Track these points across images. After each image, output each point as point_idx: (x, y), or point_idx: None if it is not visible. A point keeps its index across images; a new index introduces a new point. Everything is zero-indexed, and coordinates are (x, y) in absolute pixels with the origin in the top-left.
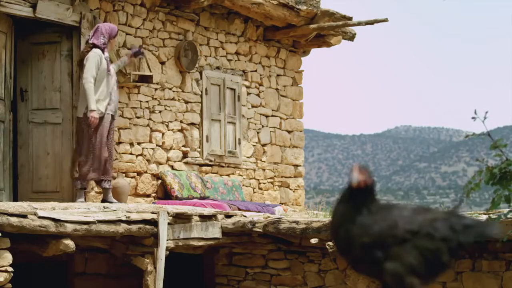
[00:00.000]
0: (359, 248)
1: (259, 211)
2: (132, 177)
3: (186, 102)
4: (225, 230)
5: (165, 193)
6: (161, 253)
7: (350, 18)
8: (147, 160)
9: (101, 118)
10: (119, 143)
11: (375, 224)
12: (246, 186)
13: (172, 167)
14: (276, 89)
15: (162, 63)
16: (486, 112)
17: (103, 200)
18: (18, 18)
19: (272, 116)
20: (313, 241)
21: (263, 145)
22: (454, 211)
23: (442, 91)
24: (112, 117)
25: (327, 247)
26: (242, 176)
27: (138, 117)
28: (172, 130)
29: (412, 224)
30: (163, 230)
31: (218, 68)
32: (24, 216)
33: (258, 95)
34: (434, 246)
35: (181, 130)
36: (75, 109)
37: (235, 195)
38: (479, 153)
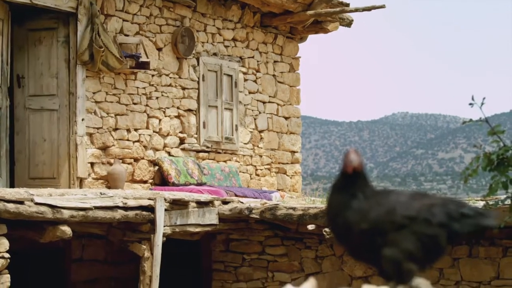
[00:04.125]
0: (357, 234)
1: (256, 197)
2: (129, 163)
3: (183, 89)
4: (222, 216)
5: (162, 179)
6: (158, 239)
7: (347, 5)
8: (144, 146)
9: None
10: (116, 129)
11: (373, 210)
12: (243, 172)
13: (169, 153)
14: (273, 75)
15: (159, 49)
16: (484, 98)
17: None
18: (14, 5)
19: (269, 102)
20: (310, 227)
21: (260, 132)
22: (452, 198)
23: (439, 77)
24: None
25: (324, 233)
26: (239, 162)
27: (135, 103)
28: (169, 116)
29: (409, 209)
30: (160, 216)
31: (215, 54)
32: (21, 202)
33: (255, 81)
34: (431, 231)
35: (178, 117)
36: (72, 96)
37: (232, 181)
38: (476, 139)
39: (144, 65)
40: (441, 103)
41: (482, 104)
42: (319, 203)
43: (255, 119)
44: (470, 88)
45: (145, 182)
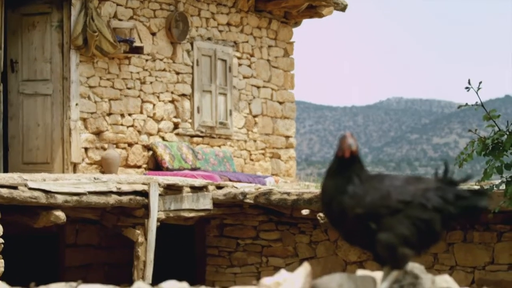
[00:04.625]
0: (352, 219)
1: (250, 182)
2: (123, 148)
3: (177, 73)
4: (216, 201)
5: (156, 164)
6: (152, 224)
7: None
8: (138, 131)
9: None
10: (109, 114)
11: (368, 194)
12: (237, 157)
13: (163, 138)
14: (268, 60)
15: (153, 34)
16: (480, 83)
17: None
18: None
19: (264, 87)
20: (305, 212)
21: (255, 116)
22: (446, 178)
23: (434, 63)
24: None
25: (318, 218)
26: (233, 147)
27: (129, 88)
28: (163, 101)
29: (404, 194)
30: (154, 201)
31: (209, 39)
32: (14, 187)
33: (249, 66)
34: (426, 216)
35: (172, 101)
36: (65, 81)
37: (226, 166)
38: (471, 124)
39: (138, 50)
40: (436, 89)
41: (479, 88)
42: (313, 188)
43: (249, 104)
44: (465, 73)
45: (139, 167)
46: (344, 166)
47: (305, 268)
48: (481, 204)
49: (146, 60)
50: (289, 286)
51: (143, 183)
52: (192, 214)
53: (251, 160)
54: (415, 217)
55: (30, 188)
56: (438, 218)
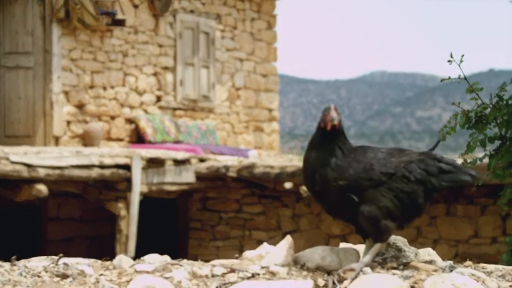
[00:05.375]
0: (335, 192)
1: (233, 155)
2: (105, 122)
3: (160, 46)
4: (199, 174)
5: (138, 138)
6: (135, 198)
7: None
8: (121, 104)
9: None
10: (92, 87)
11: (350, 167)
12: (220, 130)
13: (146, 111)
14: (251, 33)
15: (135, 6)
16: (462, 56)
17: None
18: None
19: (247, 60)
20: (288, 185)
21: (237, 89)
22: (429, 153)
23: (419, 37)
24: None
25: (301, 191)
26: (216, 120)
27: (111, 61)
28: (145, 74)
29: (387, 166)
30: (137, 175)
31: (192, 11)
32: None
33: (232, 39)
34: (409, 188)
35: (154, 74)
36: (47, 53)
37: (209, 139)
38: (455, 98)
39: (120, 23)
40: (420, 62)
41: (461, 61)
42: (296, 161)
43: (232, 77)
44: (449, 48)
45: (122, 140)
46: (327, 139)
47: (287, 241)
48: (465, 178)
49: (129, 33)
50: (271, 259)
51: (126, 156)
52: (174, 188)
53: (234, 133)
54: (398, 190)
55: (12, 162)
56: (421, 191)
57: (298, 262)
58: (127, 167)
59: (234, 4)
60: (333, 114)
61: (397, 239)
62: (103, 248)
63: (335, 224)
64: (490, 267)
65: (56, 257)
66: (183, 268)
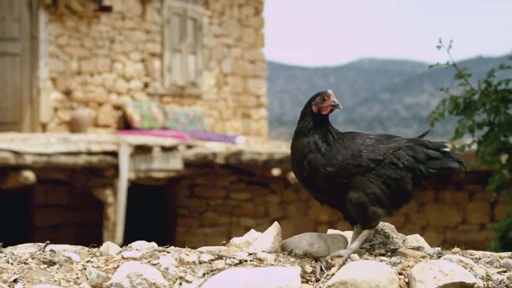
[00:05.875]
0: (323, 178)
1: (221, 142)
2: (92, 108)
3: (147, 32)
4: (187, 161)
5: (125, 124)
6: (122, 185)
7: None
8: (108, 91)
9: None
10: (79, 73)
11: (339, 153)
12: (208, 116)
13: (133, 98)
14: (238, 19)
15: None
16: (451, 41)
17: None
18: None
19: (234, 46)
20: (276, 172)
21: (225, 76)
22: (418, 139)
23: (408, 23)
24: None
25: (289, 178)
26: (203, 106)
27: (98, 47)
28: (133, 60)
29: (375, 153)
30: (124, 161)
31: None
32: None
33: (220, 24)
34: (397, 175)
35: (142, 61)
36: (34, 40)
37: (196, 125)
38: (443, 84)
39: (107, 9)
40: (409, 49)
41: (450, 47)
42: (284, 147)
43: (220, 63)
44: (438, 34)
45: (109, 126)
46: (319, 124)
47: (275, 228)
48: (453, 165)
49: (116, 19)
50: (259, 246)
51: (113, 143)
52: (162, 175)
53: (222, 119)
54: (386, 176)
55: None
56: (409, 177)
57: (285, 248)
58: (115, 154)
59: None
60: (335, 99)
61: (385, 226)
62: (90, 235)
63: (323, 211)
64: (478, 253)
65: (43, 244)
66: (170, 255)
